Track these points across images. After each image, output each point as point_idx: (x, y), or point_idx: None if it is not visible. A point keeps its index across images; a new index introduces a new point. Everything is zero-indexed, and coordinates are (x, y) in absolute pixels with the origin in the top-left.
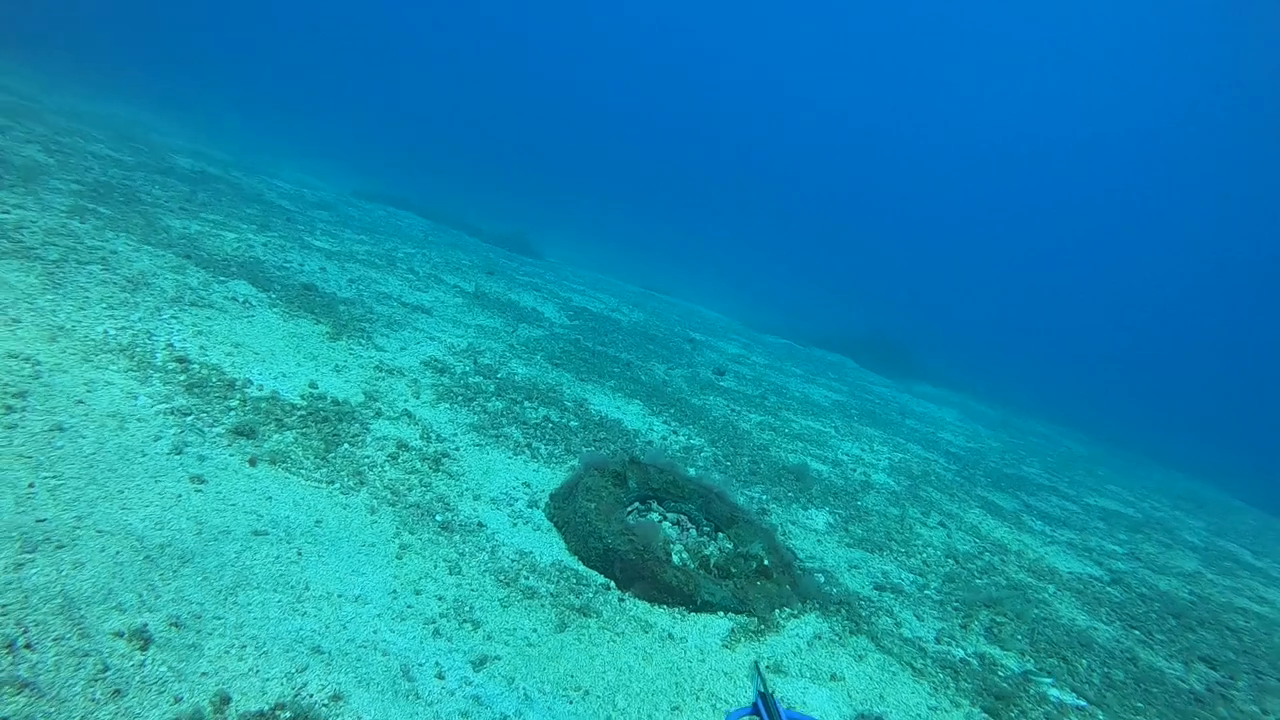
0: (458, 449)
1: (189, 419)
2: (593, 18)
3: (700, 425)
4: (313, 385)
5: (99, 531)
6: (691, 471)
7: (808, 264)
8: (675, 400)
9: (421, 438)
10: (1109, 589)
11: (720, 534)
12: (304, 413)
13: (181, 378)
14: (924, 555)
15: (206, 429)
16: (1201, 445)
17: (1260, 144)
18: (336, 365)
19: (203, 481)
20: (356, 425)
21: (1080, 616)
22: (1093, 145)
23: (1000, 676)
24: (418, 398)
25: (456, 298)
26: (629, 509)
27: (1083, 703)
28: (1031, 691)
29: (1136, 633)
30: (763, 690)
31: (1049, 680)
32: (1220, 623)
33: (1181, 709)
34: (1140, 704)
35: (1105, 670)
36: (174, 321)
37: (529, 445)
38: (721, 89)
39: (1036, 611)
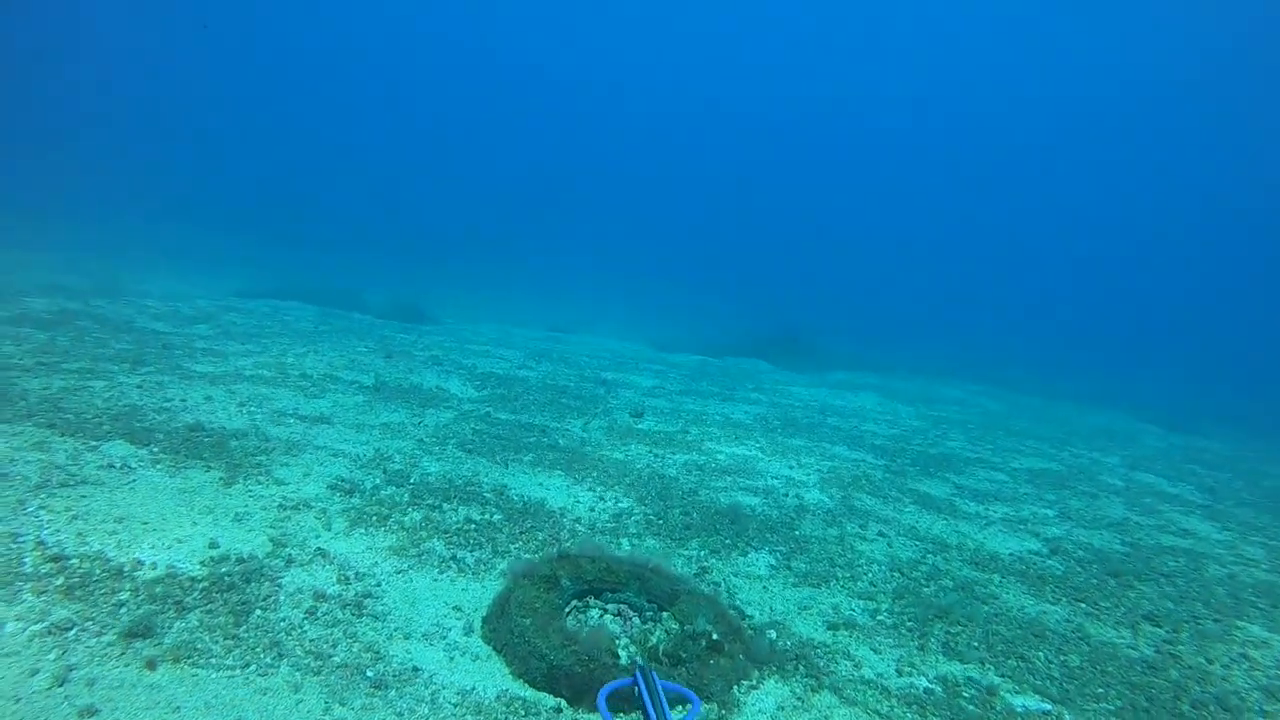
0: (379, 584)
1: (71, 634)
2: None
3: (626, 484)
4: (213, 545)
5: None
6: (625, 545)
7: (703, 275)
8: (596, 461)
9: (339, 580)
10: (1049, 562)
11: (664, 613)
12: (206, 585)
13: (58, 581)
14: (869, 575)
15: (94, 639)
16: (1092, 374)
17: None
18: (236, 514)
19: (94, 714)
20: (267, 583)
21: (1028, 603)
22: (929, 101)
23: (965, 698)
24: (329, 529)
25: (356, 396)
26: (567, 610)
27: (1046, 705)
28: (998, 707)
29: (1083, 605)
30: (641, 664)
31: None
32: (1154, 571)
33: (1137, 682)
34: (1100, 688)
35: (1061, 659)
36: (42, 513)
37: (454, 558)
38: (573, 113)
39: (986, 609)
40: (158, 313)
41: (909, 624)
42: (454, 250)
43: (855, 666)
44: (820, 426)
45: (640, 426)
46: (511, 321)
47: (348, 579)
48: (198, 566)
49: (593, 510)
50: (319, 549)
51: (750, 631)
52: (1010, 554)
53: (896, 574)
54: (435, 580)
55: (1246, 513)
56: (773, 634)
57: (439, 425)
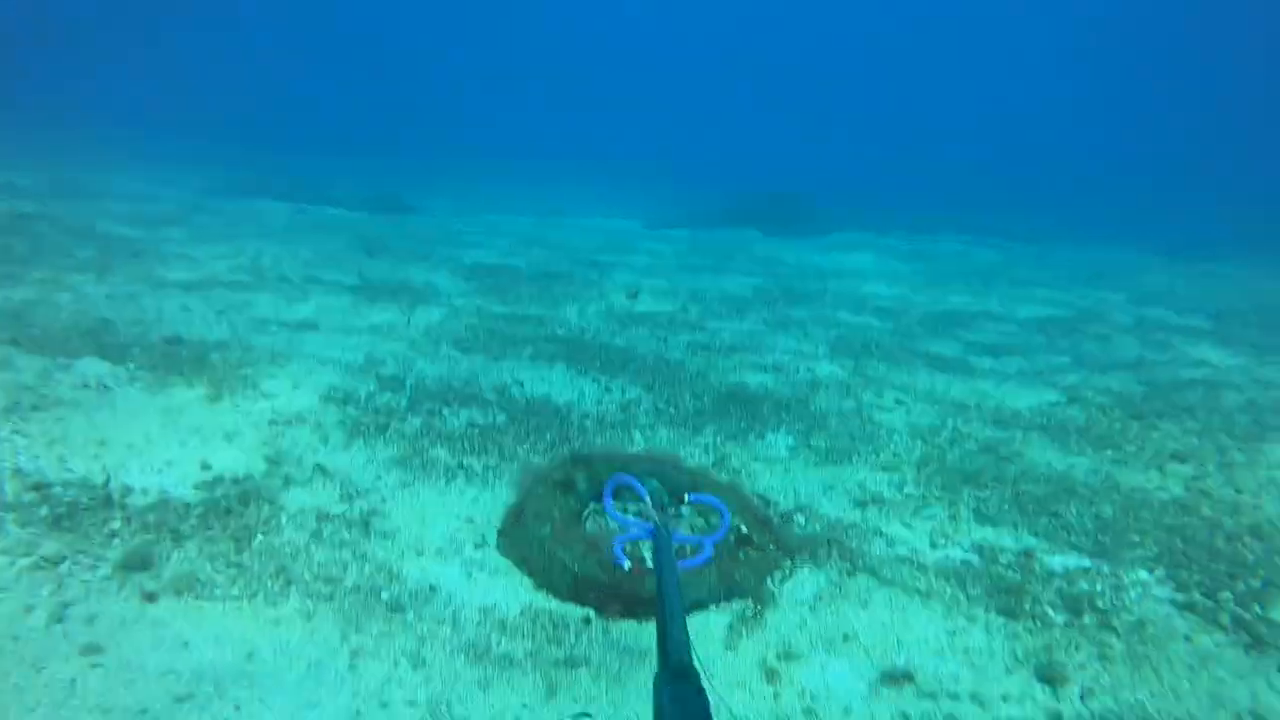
0: (384, 500)
1: (63, 568)
2: None
3: (631, 371)
4: (205, 467)
5: None
6: (638, 438)
7: (689, 147)
8: (598, 348)
9: (342, 497)
10: (1070, 411)
11: (686, 508)
12: (202, 510)
13: (43, 511)
14: (892, 447)
15: (88, 574)
16: (1088, 213)
17: None
18: (226, 433)
19: (99, 651)
20: (266, 505)
21: (1054, 457)
22: None
23: (1003, 564)
24: (326, 444)
25: (341, 297)
26: (585, 515)
27: (1085, 561)
28: (1037, 570)
29: (1109, 452)
30: (656, 524)
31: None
32: (1175, 406)
33: (1171, 524)
34: (1135, 536)
35: (1094, 511)
36: (17, 438)
37: (460, 465)
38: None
39: (1013, 468)
40: (122, 215)
41: (937, 493)
42: (436, 142)
43: (888, 544)
44: (820, 295)
45: (638, 309)
46: (499, 210)
47: (351, 496)
48: (191, 490)
49: (600, 403)
50: (318, 465)
51: (777, 519)
52: (1030, 408)
53: (919, 442)
54: (443, 492)
55: (1256, 334)
56: (801, 519)
57: (431, 324)
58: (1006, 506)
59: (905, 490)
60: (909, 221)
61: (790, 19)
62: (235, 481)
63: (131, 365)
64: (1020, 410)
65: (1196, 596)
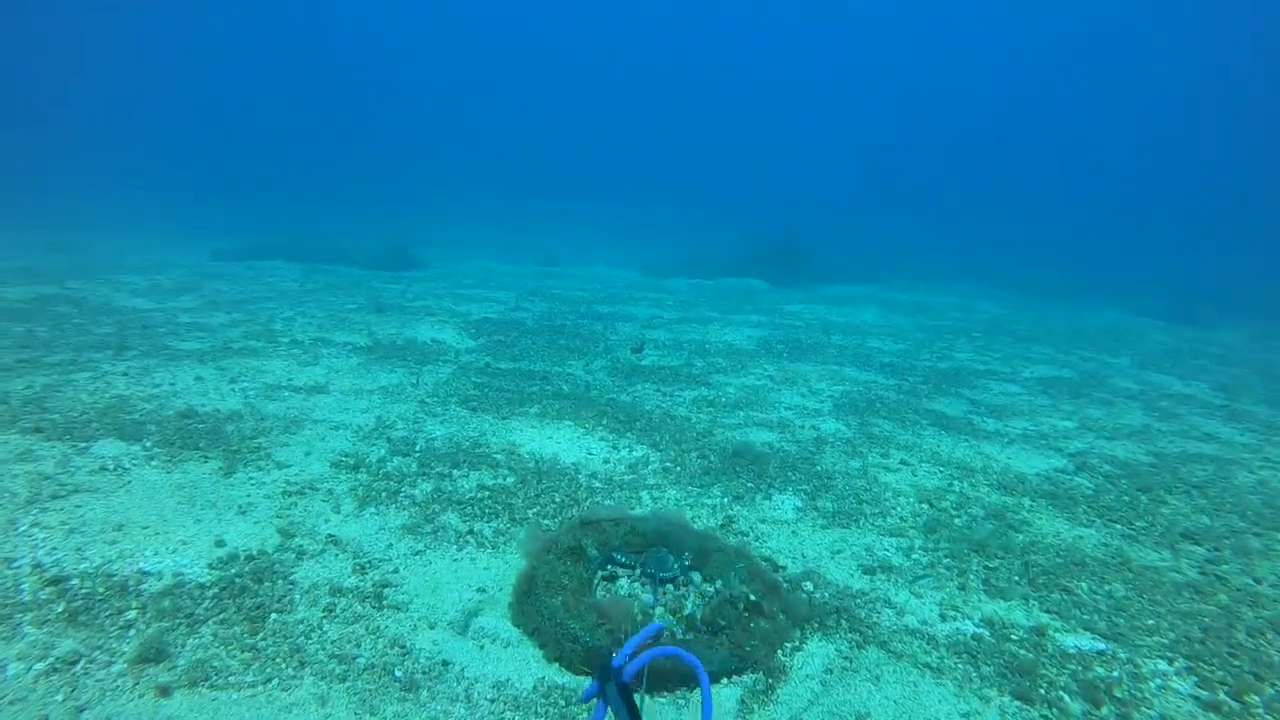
0: (396, 570)
1: (79, 667)
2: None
3: (638, 429)
4: (219, 543)
5: None
6: (646, 499)
7: (690, 197)
8: (605, 405)
9: (355, 570)
10: (1077, 479)
11: (696, 572)
12: (216, 591)
13: (60, 608)
14: (898, 510)
15: (103, 671)
16: (1085, 271)
17: None
18: (240, 506)
19: None
20: (280, 581)
21: (1063, 527)
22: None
23: (1015, 642)
24: (338, 512)
25: (351, 358)
26: (596, 581)
27: (1100, 644)
28: (1050, 649)
29: (1118, 526)
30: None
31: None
32: (1184, 482)
33: (1187, 610)
34: (1150, 620)
35: (1106, 589)
36: (36, 531)
37: (471, 532)
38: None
39: (1021, 537)
40: (137, 288)
41: (945, 561)
42: (438, 194)
43: (898, 614)
44: (825, 347)
45: (643, 363)
46: (502, 259)
47: (363, 567)
48: (206, 571)
49: (607, 462)
50: (330, 536)
51: (786, 585)
52: (1036, 474)
53: (925, 506)
54: (455, 560)
55: (1265, 411)
56: (809, 585)
57: (439, 382)
58: (1016, 578)
59: (913, 557)
60: (909, 271)
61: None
62: (249, 558)
63: (147, 443)
64: (1027, 475)
65: (1221, 696)
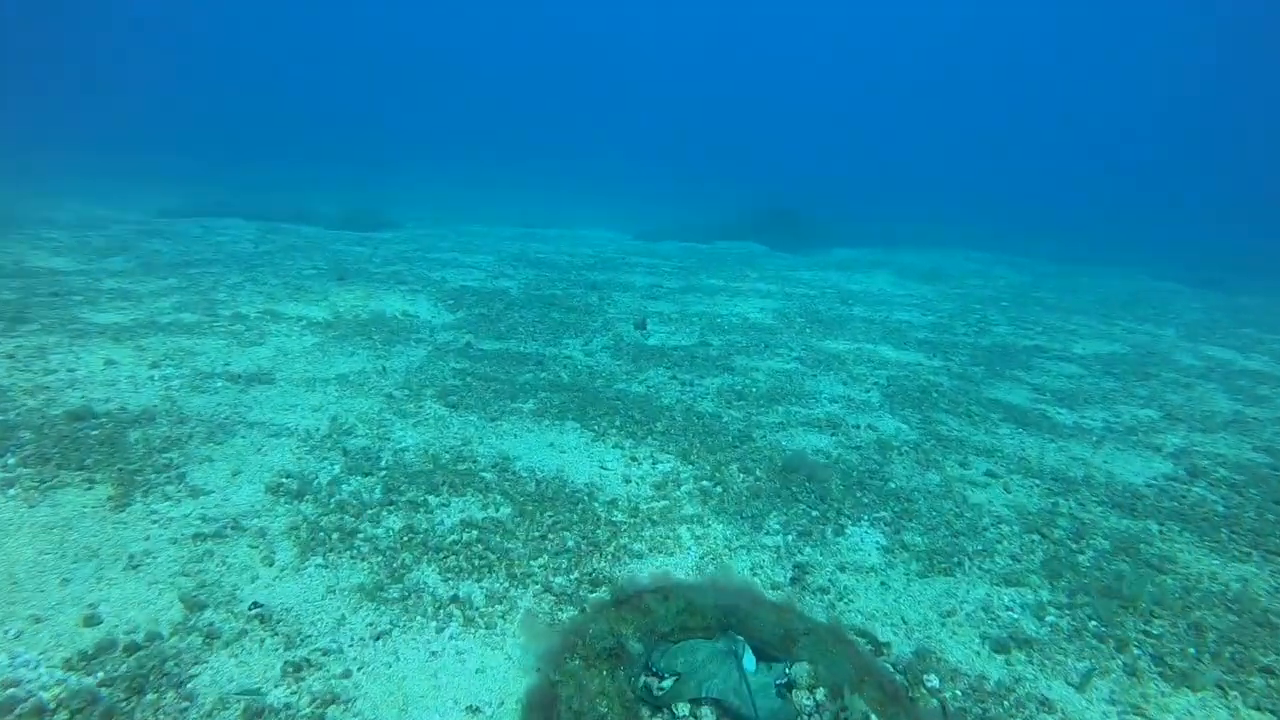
0: (348, 669)
1: None
2: None
3: (659, 432)
4: (91, 621)
5: None
6: (687, 540)
7: (677, 155)
8: (615, 400)
9: (287, 671)
10: (1196, 490)
11: (778, 664)
12: (66, 717)
13: None
14: (1005, 545)
15: None
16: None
17: None
18: (131, 558)
19: None
20: (171, 693)
21: (1213, 563)
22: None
23: None
24: (271, 564)
25: (305, 337)
26: (640, 691)
27: None
28: None
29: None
30: None
31: None
32: None
33: None
34: None
35: None
36: None
37: (455, 599)
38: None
39: (1170, 581)
40: (61, 245)
41: (1092, 625)
42: (415, 153)
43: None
44: (849, 320)
45: (650, 342)
46: (480, 219)
47: (299, 667)
48: (58, 675)
49: (629, 481)
50: (255, 607)
51: (898, 675)
52: (1147, 484)
53: (1035, 537)
54: (432, 651)
55: None
56: (933, 679)
57: (411, 368)
58: (1193, 650)
59: (1047, 619)
60: (912, 235)
61: (786, 25)
62: (130, 648)
63: (11, 459)
64: (1138, 487)
65: None
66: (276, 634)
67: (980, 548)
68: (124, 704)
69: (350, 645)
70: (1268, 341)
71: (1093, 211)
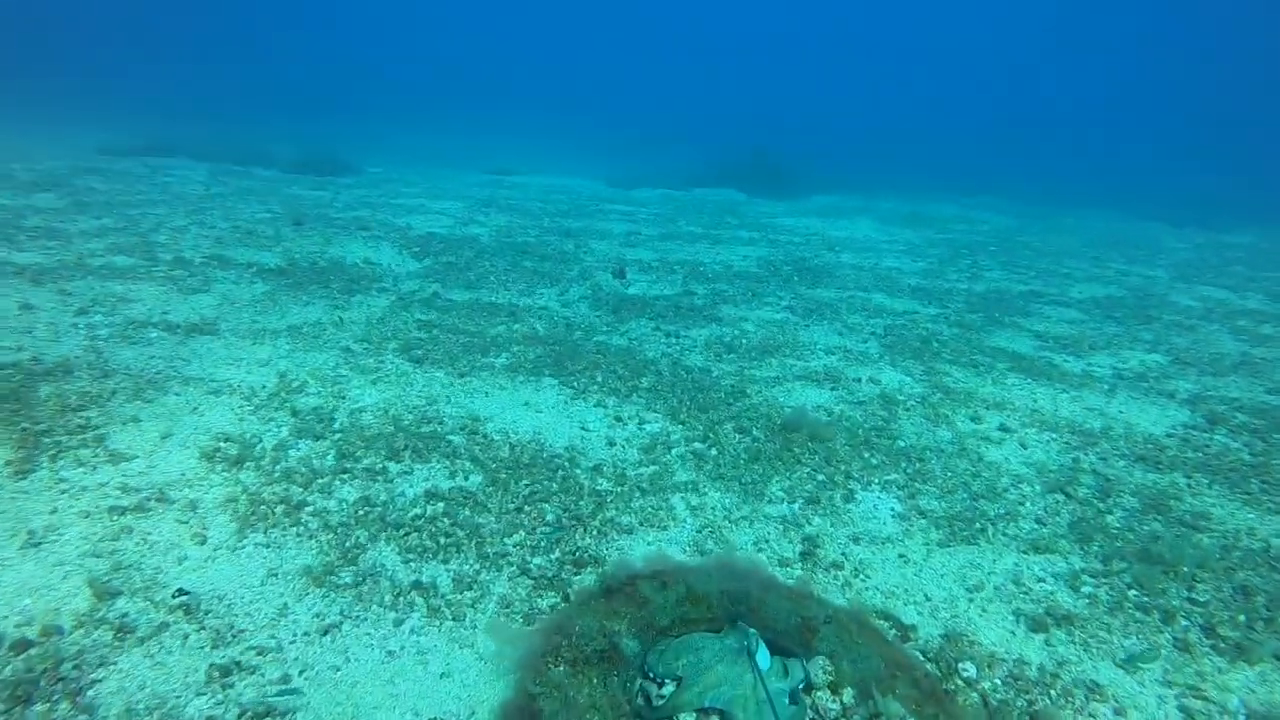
0: (289, 673)
1: None
2: None
3: (644, 389)
4: None
5: None
6: (682, 510)
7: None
8: (595, 353)
9: (213, 676)
10: (1218, 438)
11: (793, 660)
12: None
13: None
14: (1028, 507)
15: None
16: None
17: None
18: (30, 535)
19: None
20: (65, 703)
21: (1248, 516)
22: None
23: None
24: (202, 543)
25: (254, 284)
26: (638, 705)
27: None
28: None
29: None
30: None
31: None
32: None
33: None
34: None
35: None
36: None
37: (417, 584)
38: None
39: (1206, 540)
40: None
41: (1132, 593)
42: (381, 92)
43: (1119, 714)
44: (838, 268)
45: (631, 291)
46: (447, 165)
47: (229, 671)
48: None
49: (613, 444)
50: (181, 594)
51: (930, 665)
52: (1167, 434)
53: (1059, 497)
54: (389, 651)
55: None
56: (969, 668)
57: (372, 319)
58: (1243, 618)
59: (1084, 590)
60: (889, 181)
61: None
62: (19, 646)
63: None
64: (1158, 437)
65: None
66: (204, 628)
67: (1002, 511)
68: (1, 717)
69: (292, 642)
70: (1259, 279)
71: (1063, 156)
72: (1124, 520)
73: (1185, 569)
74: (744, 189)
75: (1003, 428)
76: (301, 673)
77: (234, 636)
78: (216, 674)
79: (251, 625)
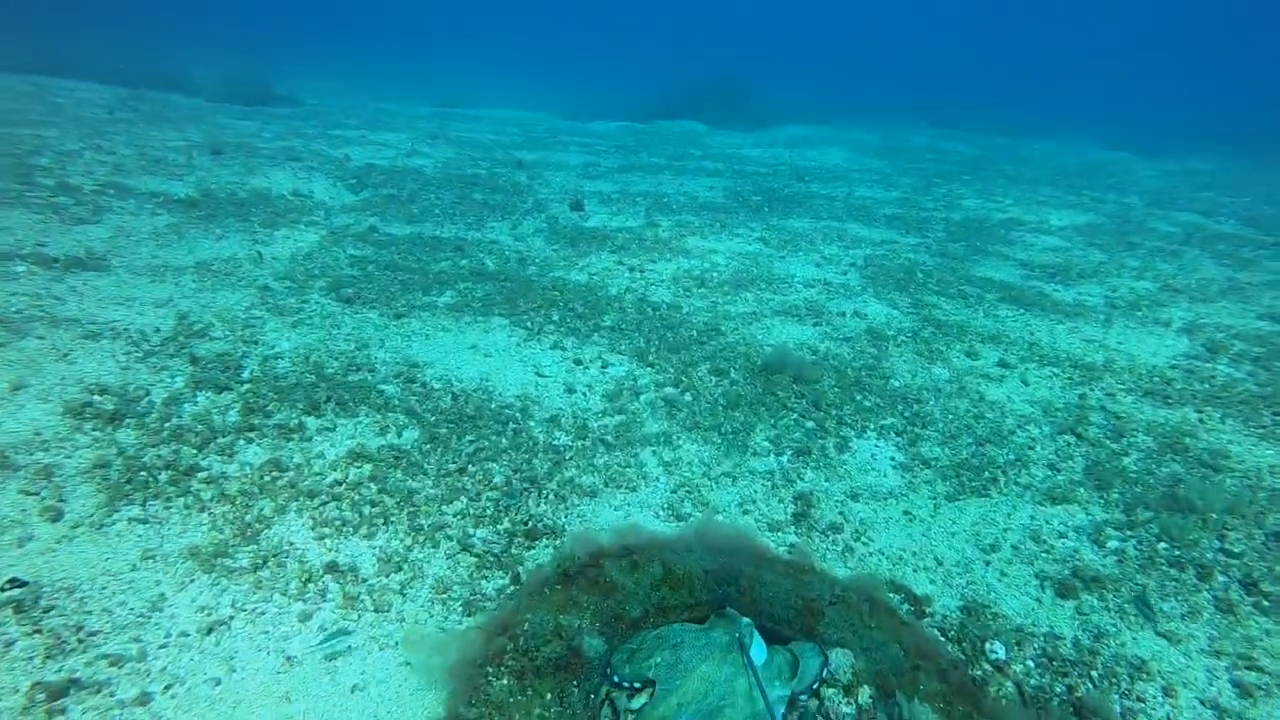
0: (151, 688)
1: None
2: None
3: (607, 328)
4: None
5: None
6: (654, 468)
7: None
8: (551, 289)
9: (35, 700)
10: (1221, 368)
11: (805, 647)
12: None
13: None
14: (1038, 451)
15: None
16: (1031, 112)
17: None
18: None
19: None
20: None
21: (1268, 453)
22: None
23: None
24: (55, 519)
25: (158, 215)
26: (601, 702)
27: None
28: None
29: None
30: None
31: None
32: None
33: None
34: None
35: None
36: None
37: (332, 565)
38: None
39: (1230, 482)
40: None
41: (1161, 546)
42: (318, 20)
43: (1165, 694)
44: (810, 198)
45: (589, 224)
46: (393, 99)
47: (66, 689)
48: None
49: (573, 391)
50: (14, 585)
51: (952, 648)
52: (1170, 365)
53: (1070, 438)
54: (287, 656)
55: None
56: (996, 649)
57: (297, 254)
58: (1271, 558)
59: (1110, 545)
60: (860, 106)
61: None
62: None
63: None
64: (1162, 369)
65: None
66: (40, 629)
67: (1012, 457)
68: None
69: (161, 646)
70: (1228, 204)
71: (1024, 84)
72: (1141, 463)
73: (1215, 516)
74: (708, 121)
75: (1002, 363)
76: (166, 690)
77: (80, 642)
78: (42, 696)
79: (109, 626)
